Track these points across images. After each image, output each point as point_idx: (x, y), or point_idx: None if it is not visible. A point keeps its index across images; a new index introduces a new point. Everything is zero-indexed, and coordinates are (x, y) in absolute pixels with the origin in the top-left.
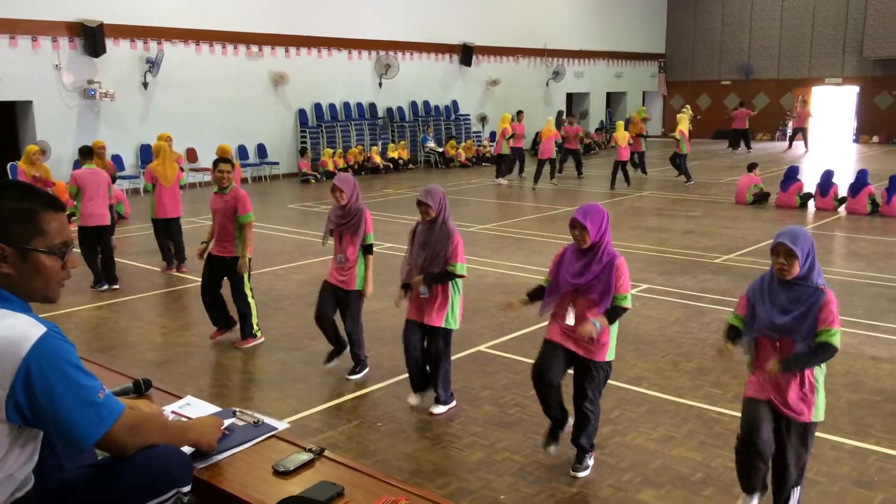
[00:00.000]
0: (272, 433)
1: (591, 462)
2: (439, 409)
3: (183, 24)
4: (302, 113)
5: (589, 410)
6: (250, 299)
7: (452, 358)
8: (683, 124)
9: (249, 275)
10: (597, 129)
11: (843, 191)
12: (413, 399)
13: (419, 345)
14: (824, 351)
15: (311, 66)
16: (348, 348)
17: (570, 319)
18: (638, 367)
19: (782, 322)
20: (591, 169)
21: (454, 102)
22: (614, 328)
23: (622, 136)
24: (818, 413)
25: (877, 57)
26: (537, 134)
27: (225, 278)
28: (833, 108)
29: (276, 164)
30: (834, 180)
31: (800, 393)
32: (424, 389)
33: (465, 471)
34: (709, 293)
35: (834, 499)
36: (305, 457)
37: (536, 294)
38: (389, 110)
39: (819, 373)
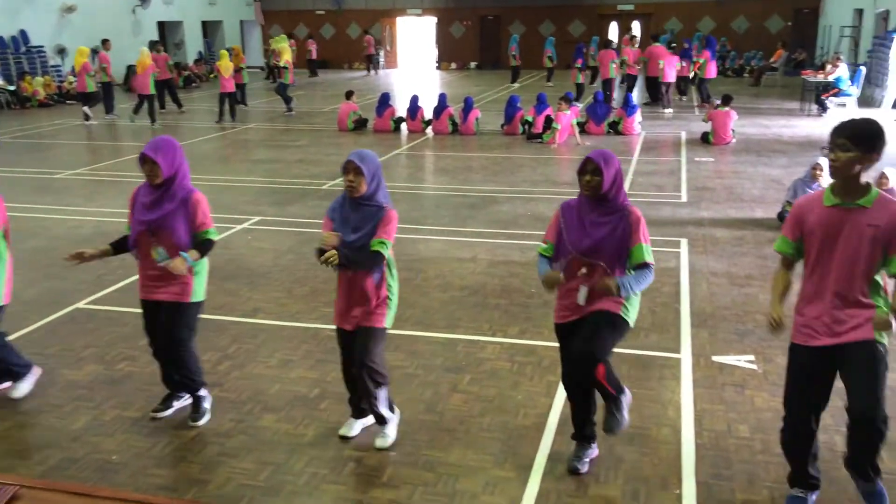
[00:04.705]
0: None
1: (207, 406)
2: None
3: None
4: None
5: (183, 353)
6: None
7: (47, 319)
8: (288, 54)
9: None
10: (196, 61)
11: (428, 113)
12: None
13: None
14: (375, 259)
15: None
16: None
17: (159, 258)
18: (253, 299)
19: (353, 238)
20: (194, 102)
21: (23, 33)
22: (203, 268)
23: (226, 66)
24: (388, 321)
25: None
26: (129, 67)
27: None
28: (416, 38)
29: None
30: (420, 104)
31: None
32: None
33: (68, 439)
34: (319, 218)
35: (431, 387)
36: None
37: (121, 244)
38: None
39: (392, 281)
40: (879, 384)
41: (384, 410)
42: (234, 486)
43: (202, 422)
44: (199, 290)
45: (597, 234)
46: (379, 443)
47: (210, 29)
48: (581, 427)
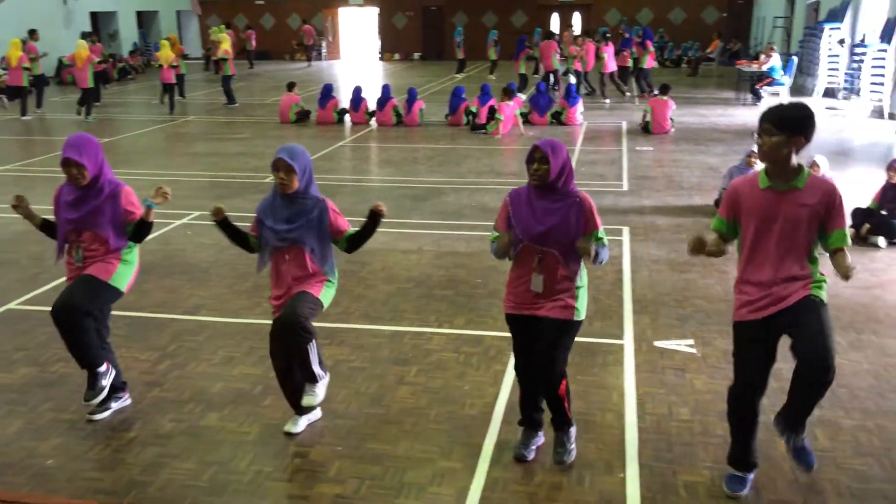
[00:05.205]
0: None
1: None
2: None
3: None
4: None
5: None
6: None
7: None
8: (227, 44)
9: None
10: (131, 52)
11: (372, 105)
12: None
13: None
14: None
15: None
16: None
17: (77, 259)
18: (195, 296)
19: (286, 228)
20: (130, 95)
21: None
22: (133, 258)
23: (166, 56)
24: (324, 296)
25: None
26: (60, 59)
27: None
28: (359, 28)
29: None
30: (363, 95)
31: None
32: None
33: (1, 444)
34: None
35: (377, 380)
36: None
37: (49, 227)
38: None
39: (330, 279)
40: (829, 330)
41: (316, 368)
42: (176, 486)
43: (99, 416)
44: (121, 277)
45: (548, 221)
46: (307, 401)
47: (145, 19)
48: (529, 414)
